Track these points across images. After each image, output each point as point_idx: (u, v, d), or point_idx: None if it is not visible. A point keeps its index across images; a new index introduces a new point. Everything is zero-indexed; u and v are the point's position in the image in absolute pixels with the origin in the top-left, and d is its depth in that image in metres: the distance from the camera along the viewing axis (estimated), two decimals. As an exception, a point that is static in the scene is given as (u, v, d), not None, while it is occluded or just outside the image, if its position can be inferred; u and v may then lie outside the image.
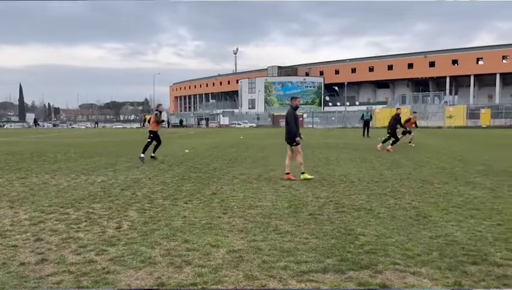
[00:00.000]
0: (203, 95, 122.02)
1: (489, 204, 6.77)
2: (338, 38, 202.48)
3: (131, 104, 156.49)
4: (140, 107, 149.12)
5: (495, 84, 78.18)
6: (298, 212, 6.28)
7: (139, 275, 3.85)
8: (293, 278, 3.76)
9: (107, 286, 3.59)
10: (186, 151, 17.48)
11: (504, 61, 77.04)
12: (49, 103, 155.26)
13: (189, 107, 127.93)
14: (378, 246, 4.63)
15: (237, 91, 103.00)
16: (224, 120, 79.67)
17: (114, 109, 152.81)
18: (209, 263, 4.15)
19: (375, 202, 6.98)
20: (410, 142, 19.07)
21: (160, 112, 14.22)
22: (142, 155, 13.23)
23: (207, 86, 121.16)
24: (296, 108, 9.72)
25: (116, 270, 3.96)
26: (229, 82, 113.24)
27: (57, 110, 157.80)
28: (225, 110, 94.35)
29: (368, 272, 3.90)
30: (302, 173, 9.49)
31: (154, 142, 14.01)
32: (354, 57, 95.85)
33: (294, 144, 9.56)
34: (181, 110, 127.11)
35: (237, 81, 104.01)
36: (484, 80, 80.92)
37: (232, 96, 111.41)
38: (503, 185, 8.47)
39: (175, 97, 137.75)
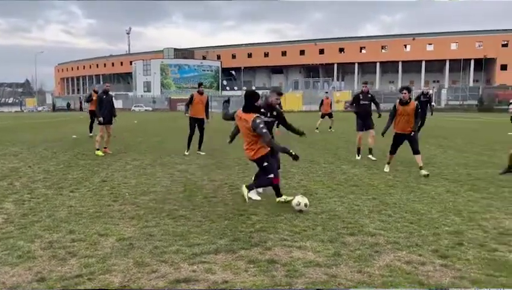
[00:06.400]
0: (93, 77, 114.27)
1: (367, 180, 7.50)
2: (239, 23, 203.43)
3: (9, 85, 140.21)
4: (20, 89, 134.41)
5: (375, 72, 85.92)
6: (193, 196, 6.29)
7: (16, 271, 3.53)
8: (185, 261, 3.77)
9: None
10: (74, 137, 16.31)
11: (383, 51, 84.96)
12: None
13: (78, 90, 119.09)
14: (269, 224, 4.86)
15: (131, 73, 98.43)
16: (118, 104, 75.56)
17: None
18: (96, 252, 3.96)
19: (267, 183, 7.26)
20: None
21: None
22: None
23: (97, 66, 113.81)
24: (107, 92, 11.29)
25: (-13, 268, 3.58)
26: (122, 63, 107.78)
27: None
28: (118, 93, 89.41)
29: (257, 249, 4.07)
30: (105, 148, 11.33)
31: None
32: (250, 42, 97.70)
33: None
34: (68, 93, 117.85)
35: (131, 62, 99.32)
36: (366, 68, 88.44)
37: (125, 79, 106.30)
38: (379, 163, 9.42)
39: (61, 79, 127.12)
